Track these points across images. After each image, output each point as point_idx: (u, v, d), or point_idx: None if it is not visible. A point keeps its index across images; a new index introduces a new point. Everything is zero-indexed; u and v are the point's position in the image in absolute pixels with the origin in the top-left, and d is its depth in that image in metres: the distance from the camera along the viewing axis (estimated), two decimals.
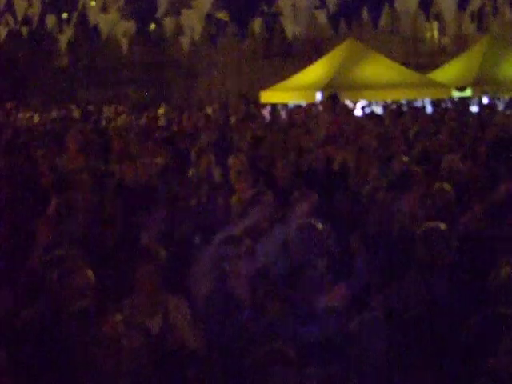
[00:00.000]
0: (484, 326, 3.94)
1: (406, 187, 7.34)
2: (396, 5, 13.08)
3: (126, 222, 6.78)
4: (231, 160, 9.41)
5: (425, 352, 3.80)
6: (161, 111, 23.63)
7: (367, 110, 22.07)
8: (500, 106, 21.06)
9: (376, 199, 6.80)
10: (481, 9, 17.78)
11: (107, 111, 24.33)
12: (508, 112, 19.08)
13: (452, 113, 17.83)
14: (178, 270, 5.62)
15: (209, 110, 22.73)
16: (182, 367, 4.63)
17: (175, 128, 15.74)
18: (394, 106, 21.63)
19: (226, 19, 13.11)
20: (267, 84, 25.18)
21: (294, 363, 3.63)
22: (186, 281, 5.59)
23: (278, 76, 25.49)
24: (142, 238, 6.31)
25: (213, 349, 4.72)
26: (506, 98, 23.40)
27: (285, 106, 23.13)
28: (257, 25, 15.51)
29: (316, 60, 25.15)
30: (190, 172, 9.53)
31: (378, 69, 22.78)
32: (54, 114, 22.14)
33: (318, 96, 20.82)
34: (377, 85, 22.06)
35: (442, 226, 5.54)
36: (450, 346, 3.91)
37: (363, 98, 22.84)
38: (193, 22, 14.04)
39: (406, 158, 9.24)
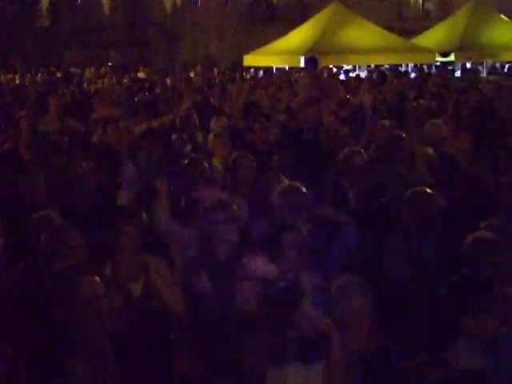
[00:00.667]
0: (456, 287, 3.98)
1: (391, 151, 7.31)
2: None
3: (105, 184, 6.74)
4: (212, 123, 9.36)
5: (407, 312, 3.80)
6: (140, 74, 23.46)
7: (352, 75, 22.03)
8: (483, 72, 21.06)
9: (354, 164, 6.73)
10: None
11: (88, 73, 24.13)
12: (491, 77, 19.07)
13: (436, 78, 17.78)
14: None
15: (192, 73, 22.62)
16: (163, 329, 4.62)
17: (158, 91, 15.60)
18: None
19: None
20: (251, 48, 25.05)
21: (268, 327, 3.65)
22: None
23: (263, 40, 25.35)
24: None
25: (194, 311, 4.70)
26: (489, 63, 23.40)
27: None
28: None
29: (300, 24, 25.04)
30: (173, 136, 9.45)
31: (362, 33, 22.70)
32: (38, 76, 21.89)
33: (302, 60, 20.72)
34: (361, 49, 22.01)
35: (428, 190, 5.53)
36: (430, 307, 3.92)
37: (347, 62, 22.85)
38: None
39: (387, 122, 9.18)
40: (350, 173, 6.69)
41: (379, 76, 16.14)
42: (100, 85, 18.85)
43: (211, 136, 8.48)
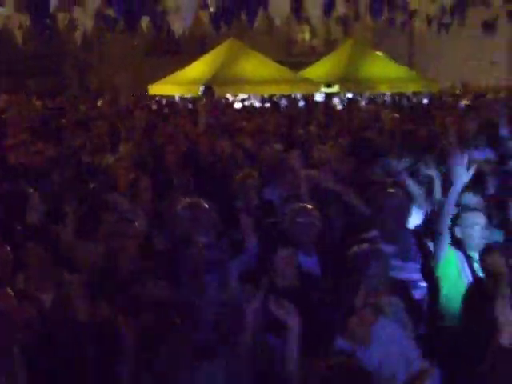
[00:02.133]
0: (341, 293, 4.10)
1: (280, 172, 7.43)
2: (270, 9, 13.18)
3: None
4: (120, 147, 9.36)
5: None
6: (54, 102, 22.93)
7: (247, 103, 22.27)
8: (362, 102, 21.65)
9: (248, 185, 6.83)
10: (345, 15, 18.14)
11: (1, 101, 23.46)
12: (368, 107, 19.63)
13: (322, 106, 18.18)
14: None
15: (99, 102, 22.33)
16: (74, 339, 4.55)
17: (70, 116, 15.39)
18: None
19: (115, 16, 12.87)
20: (155, 78, 24.97)
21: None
22: None
23: (166, 70, 25.30)
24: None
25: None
26: (367, 94, 24.05)
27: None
28: (145, 23, 15.29)
29: (200, 57, 25.13)
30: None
31: (256, 66, 22.97)
32: None
33: (202, 89, 20.83)
34: (255, 80, 22.24)
35: (309, 206, 5.61)
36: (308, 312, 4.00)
37: (243, 91, 23.00)
38: (84, 18, 13.76)
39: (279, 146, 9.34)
40: (244, 193, 6.78)
41: (272, 105, 16.43)
42: (14, 112, 18.36)
43: (116, 159, 8.47)
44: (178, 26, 14.47)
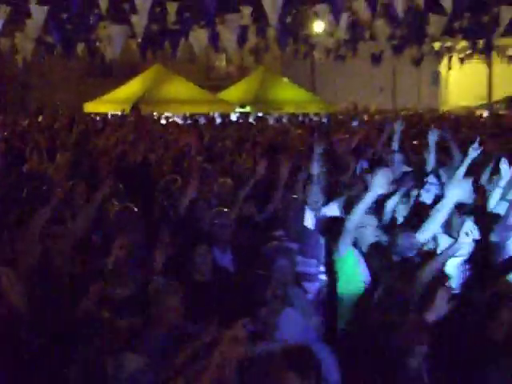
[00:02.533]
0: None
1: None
2: (191, 39, 13.13)
3: None
4: (57, 157, 9.08)
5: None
6: None
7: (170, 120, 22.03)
8: (271, 120, 21.77)
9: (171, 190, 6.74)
10: (256, 46, 18.28)
11: None
12: (276, 125, 19.76)
13: (237, 124, 18.18)
14: None
15: (39, 118, 21.67)
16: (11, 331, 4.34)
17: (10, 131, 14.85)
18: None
19: (54, 42, 12.58)
20: (91, 97, 24.55)
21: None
22: None
23: (100, 91, 24.93)
24: None
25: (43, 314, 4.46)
26: (276, 114, 24.23)
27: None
28: (80, 48, 14.98)
29: (130, 79, 24.84)
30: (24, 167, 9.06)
31: (179, 88, 22.90)
32: None
33: (130, 108, 20.52)
34: (178, 101, 22.15)
35: (224, 210, 5.58)
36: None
37: (167, 110, 22.81)
38: (25, 43, 13.36)
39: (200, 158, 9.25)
40: (168, 196, 6.68)
41: (193, 122, 16.33)
42: None
43: (54, 167, 8.24)
44: (110, 52, 14.25)
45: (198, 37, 13.25)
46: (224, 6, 11.44)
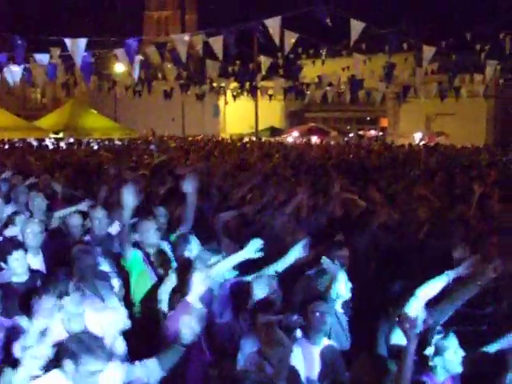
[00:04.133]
0: None
1: None
2: (6, 74, 12.16)
3: None
4: None
5: None
6: None
7: None
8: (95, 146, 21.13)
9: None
10: (67, 81, 17.53)
11: None
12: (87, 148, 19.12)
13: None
14: None
15: None
16: None
17: None
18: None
19: None
20: None
21: None
22: None
23: None
24: None
25: None
26: (85, 139, 23.48)
27: None
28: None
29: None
30: None
31: None
32: None
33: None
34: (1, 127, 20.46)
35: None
36: None
37: None
38: None
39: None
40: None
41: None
42: None
43: None
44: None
45: (12, 72, 12.34)
46: (35, 47, 10.85)
